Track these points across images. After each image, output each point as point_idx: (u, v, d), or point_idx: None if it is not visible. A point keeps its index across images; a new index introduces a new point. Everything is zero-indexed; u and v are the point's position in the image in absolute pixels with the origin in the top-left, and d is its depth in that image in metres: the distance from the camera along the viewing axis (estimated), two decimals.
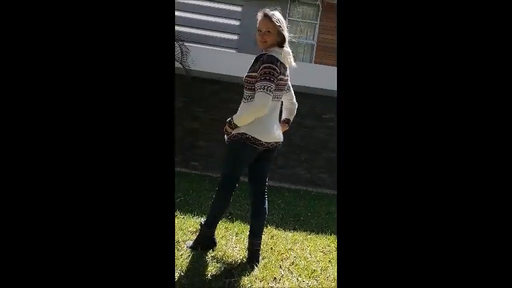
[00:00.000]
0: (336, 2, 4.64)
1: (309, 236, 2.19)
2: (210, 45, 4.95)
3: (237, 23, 5.10)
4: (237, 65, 4.06)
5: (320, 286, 1.52)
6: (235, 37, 5.11)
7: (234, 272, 1.52)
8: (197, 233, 1.78)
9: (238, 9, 5.09)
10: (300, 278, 1.56)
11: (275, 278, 1.53)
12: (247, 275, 1.50)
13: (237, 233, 2.04)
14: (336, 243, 2.15)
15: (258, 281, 1.48)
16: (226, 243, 1.86)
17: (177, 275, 1.43)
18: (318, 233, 2.28)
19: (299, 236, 2.17)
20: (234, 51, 5.04)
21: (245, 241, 1.92)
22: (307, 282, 1.54)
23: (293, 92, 1.71)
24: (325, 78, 3.87)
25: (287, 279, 1.54)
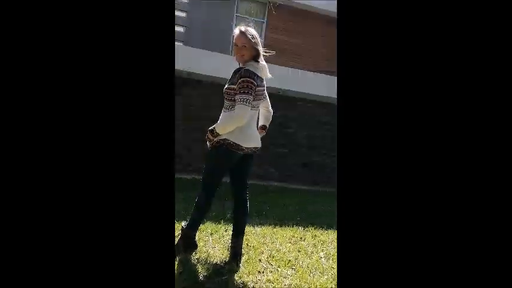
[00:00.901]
0: (284, 3, 4.88)
1: (274, 229, 2.41)
2: None
3: (183, 14, 4.94)
4: (183, 59, 3.99)
5: (297, 274, 1.74)
6: (181, 29, 4.96)
7: (222, 270, 1.63)
8: (178, 237, 1.83)
9: (185, 0, 4.93)
10: (279, 269, 1.76)
11: (259, 272, 1.70)
12: (235, 272, 1.64)
13: (211, 233, 2.13)
14: (298, 233, 2.42)
15: (245, 275, 1.63)
16: (205, 244, 1.94)
17: None
18: (281, 226, 2.52)
19: (266, 230, 2.38)
20: (180, 44, 4.90)
21: (221, 240, 2.04)
22: (286, 271, 1.75)
23: (269, 100, 1.87)
24: (274, 77, 4.10)
25: (269, 271, 1.72)
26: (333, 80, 5.06)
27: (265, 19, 5.12)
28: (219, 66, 4.36)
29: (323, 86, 4.75)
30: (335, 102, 4.69)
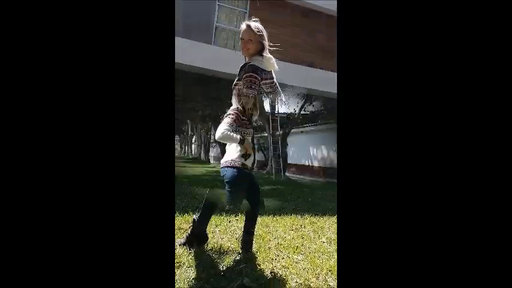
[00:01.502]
0: None
1: (274, 218, 2.48)
2: None
3: None
4: None
5: (307, 259, 1.82)
6: None
7: (238, 258, 1.67)
8: (189, 230, 1.83)
9: None
10: (290, 256, 1.83)
11: (272, 259, 1.75)
12: (252, 260, 1.68)
13: (216, 225, 2.15)
14: (297, 221, 2.51)
15: (260, 263, 1.68)
16: (214, 236, 1.96)
17: (192, 271, 1.49)
18: (280, 215, 2.59)
19: (267, 219, 2.44)
20: None
21: (228, 231, 2.06)
22: (297, 257, 1.83)
23: (281, 93, 1.93)
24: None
25: (281, 258, 1.78)
26: (312, 72, 5.18)
27: (248, 9, 5.09)
28: (202, 56, 4.27)
29: (304, 77, 4.85)
30: (317, 94, 4.82)
